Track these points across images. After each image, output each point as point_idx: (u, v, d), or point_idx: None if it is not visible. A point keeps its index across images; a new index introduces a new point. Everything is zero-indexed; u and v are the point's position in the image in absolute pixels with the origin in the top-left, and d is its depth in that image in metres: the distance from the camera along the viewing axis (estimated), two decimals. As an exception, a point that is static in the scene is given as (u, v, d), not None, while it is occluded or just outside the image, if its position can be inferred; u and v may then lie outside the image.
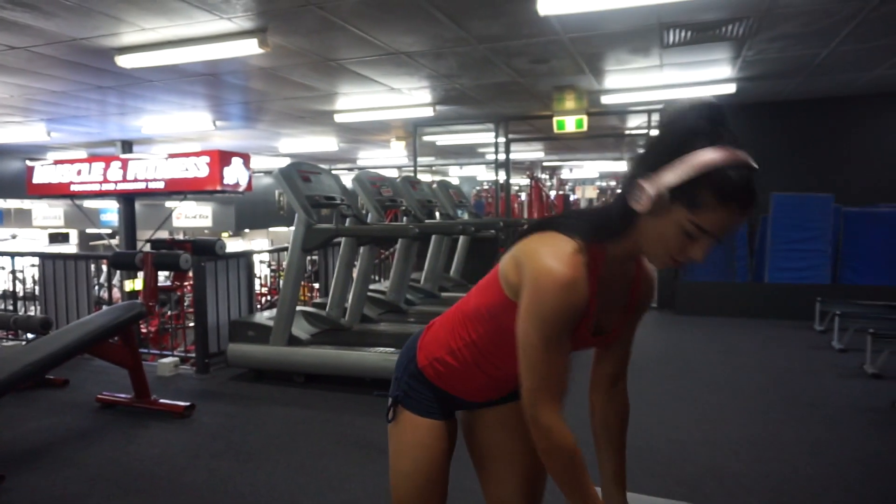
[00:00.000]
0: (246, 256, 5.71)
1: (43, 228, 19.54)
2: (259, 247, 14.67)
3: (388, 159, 14.28)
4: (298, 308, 4.91)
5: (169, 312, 8.13)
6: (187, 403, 4.01)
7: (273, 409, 4.14)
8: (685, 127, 1.07)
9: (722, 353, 5.59)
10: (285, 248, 5.90)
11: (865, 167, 7.26)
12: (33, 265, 9.96)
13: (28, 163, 10.15)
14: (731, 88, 6.32)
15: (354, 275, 5.28)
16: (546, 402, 1.17)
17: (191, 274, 5.07)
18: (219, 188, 8.63)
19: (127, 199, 10.48)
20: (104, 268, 7.40)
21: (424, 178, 16.61)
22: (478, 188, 21.00)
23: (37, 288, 11.56)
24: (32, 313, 7.12)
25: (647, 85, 6.43)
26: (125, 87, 6.29)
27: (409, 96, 6.92)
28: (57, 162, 9.76)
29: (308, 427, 3.76)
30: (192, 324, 6.71)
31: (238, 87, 6.49)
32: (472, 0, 3.89)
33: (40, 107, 7.39)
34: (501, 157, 8.90)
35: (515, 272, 1.20)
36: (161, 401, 4.08)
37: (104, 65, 5.28)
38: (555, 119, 7.79)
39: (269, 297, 10.29)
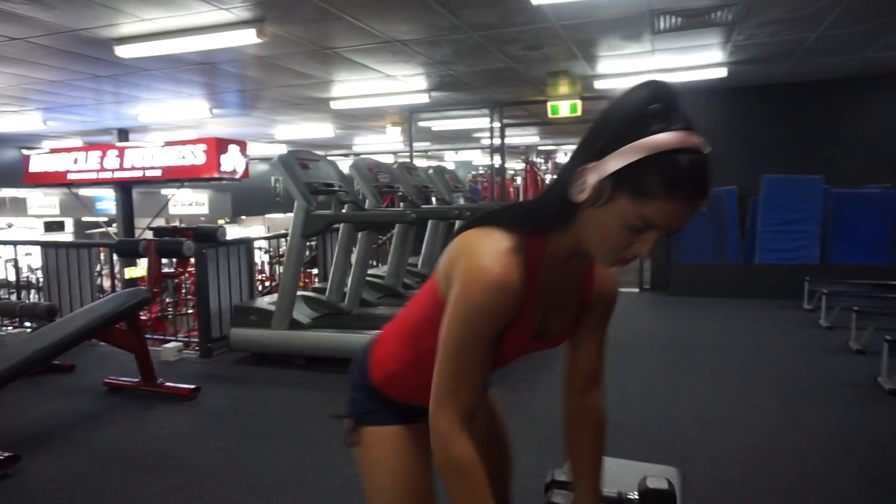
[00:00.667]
0: (246, 243, 5.81)
1: (38, 217, 19.54)
2: (255, 233, 14.75)
3: (384, 145, 14.31)
4: (299, 293, 5.01)
5: (168, 300, 8.24)
6: (193, 386, 4.13)
7: (276, 390, 4.27)
8: (633, 109, 0.95)
9: (713, 333, 5.73)
10: (283, 235, 6.00)
11: (854, 149, 7.36)
12: (28, 254, 10.04)
13: (24, 152, 10.18)
14: (722, 73, 6.40)
15: (353, 260, 5.38)
16: (449, 409, 1.07)
17: (192, 261, 5.15)
18: (216, 175, 8.70)
19: (124, 188, 10.52)
20: (102, 256, 7.49)
21: (420, 163, 16.63)
22: (473, 173, 21.07)
23: (33, 276, 11.66)
24: (35, 301, 7.21)
25: (639, 70, 6.50)
26: (122, 75, 6.33)
27: (405, 83, 6.98)
28: (53, 151, 9.80)
29: (310, 407, 3.89)
30: (191, 310, 6.82)
31: (235, 76, 6.54)
32: (466, -11, 3.97)
33: (37, 96, 7.42)
34: (497, 141, 8.98)
35: (451, 270, 1.07)
36: (167, 384, 4.19)
37: (102, 54, 5.33)
38: (549, 104, 7.86)
39: (266, 284, 10.39)
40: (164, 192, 14.84)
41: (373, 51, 5.47)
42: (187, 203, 17.10)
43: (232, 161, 8.90)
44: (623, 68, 6.46)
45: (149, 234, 5.22)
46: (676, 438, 3.30)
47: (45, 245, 6.33)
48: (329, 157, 6.00)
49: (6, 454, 3.03)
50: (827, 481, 2.83)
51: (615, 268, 1.15)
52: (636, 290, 8.13)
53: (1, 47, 5.10)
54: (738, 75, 6.76)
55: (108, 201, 14.82)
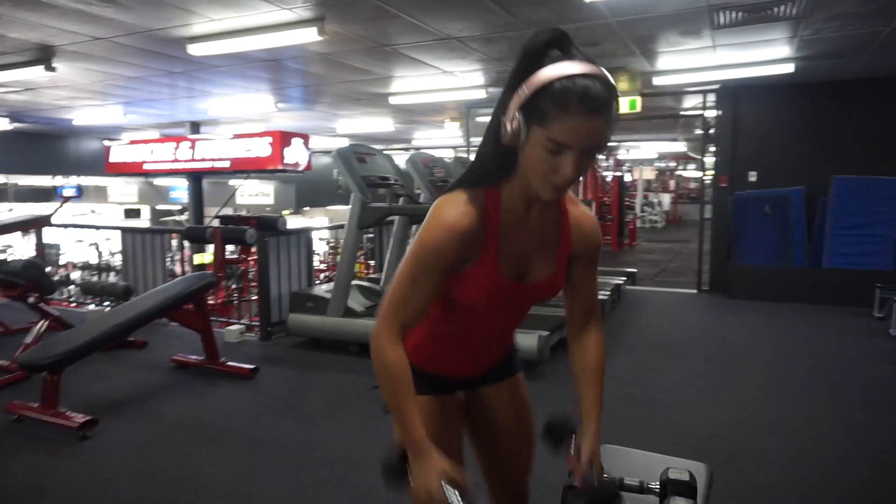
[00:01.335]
0: (305, 233, 6.06)
1: (119, 204, 20.74)
2: (318, 224, 15.18)
3: (443, 140, 14.45)
4: (354, 282, 5.20)
5: (233, 286, 8.65)
6: (252, 367, 4.38)
7: (329, 374, 4.46)
8: (529, 52, 1.08)
9: (771, 338, 5.58)
10: (341, 226, 6.21)
11: (934, 149, 6.95)
12: (107, 239, 10.72)
13: (105, 143, 10.87)
14: (789, 68, 6.17)
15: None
16: (388, 326, 1.23)
17: (254, 249, 5.42)
18: (280, 167, 9.04)
19: (195, 178, 11.08)
20: (173, 242, 7.94)
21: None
22: (531, 169, 20.92)
23: (112, 259, 12.43)
24: (112, 281, 7.73)
25: (700, 66, 6.36)
26: (194, 72, 6.69)
27: (462, 79, 7.07)
28: (132, 142, 10.42)
29: (360, 392, 4.05)
30: (254, 297, 7.16)
31: (298, 72, 6.80)
32: (519, -13, 4.02)
33: (117, 91, 7.92)
34: (553, 137, 8.94)
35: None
36: (229, 363, 4.46)
37: (176, 52, 5.66)
38: (607, 100, 7.77)
39: (327, 273, 10.71)
40: (231, 182, 15.47)
41: (430, 47, 5.58)
42: (254, 193, 17.76)
43: (295, 154, 9.22)
44: (683, 64, 6.34)
45: (216, 223, 5.53)
46: (721, 441, 3.28)
47: (123, 230, 6.78)
48: (389, 151, 6.16)
49: (88, 417, 3.33)
50: (879, 494, 2.76)
51: (588, 219, 1.34)
52: (694, 291, 7.96)
53: (87, 46, 5.50)
54: (807, 71, 6.51)
55: (180, 190, 15.61)
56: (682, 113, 10.09)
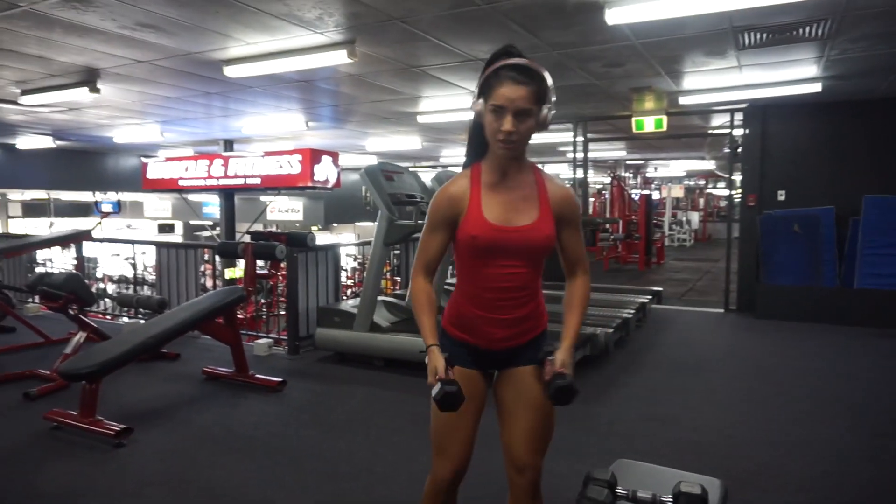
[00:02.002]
0: (333, 249, 6.19)
1: (153, 219, 21.32)
2: (346, 240, 15.40)
3: (470, 157, 14.54)
4: (380, 298, 5.29)
5: (262, 301, 8.83)
6: (280, 379, 4.49)
7: (355, 388, 4.55)
8: (488, 61, 1.68)
9: (799, 358, 5.50)
10: (368, 243, 6.33)
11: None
12: (143, 253, 11.05)
13: (143, 160, 11.24)
14: (816, 87, 6.14)
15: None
16: (417, 268, 1.82)
17: (283, 264, 5.56)
18: (309, 184, 9.26)
19: (227, 194, 11.37)
20: (206, 256, 8.15)
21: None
22: (559, 186, 20.92)
23: (146, 273, 12.77)
24: (147, 294, 7.97)
25: (726, 85, 6.36)
26: (229, 92, 6.93)
27: (488, 98, 7.16)
28: (168, 159, 10.76)
29: (385, 406, 4.13)
30: (283, 311, 7.30)
31: (329, 92, 6.99)
32: (543, 12, 4.11)
33: (155, 110, 8.22)
34: (580, 155, 9.00)
35: None
36: (257, 376, 4.57)
37: (212, 74, 5.89)
38: (633, 119, 7.81)
39: (354, 289, 10.85)
40: (262, 198, 15.81)
41: (456, 68, 5.71)
42: (284, 209, 18.11)
43: (325, 171, 9.44)
44: (709, 84, 6.35)
45: (247, 238, 5.68)
46: (744, 461, 3.26)
47: (158, 245, 7.01)
48: (415, 169, 6.28)
49: (122, 426, 3.46)
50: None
51: (563, 188, 1.79)
52: (721, 310, 7.88)
53: (129, 69, 5.75)
54: (835, 90, 6.47)
55: (213, 206, 16.00)
56: (709, 131, 10.04)
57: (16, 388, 4.34)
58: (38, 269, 9.34)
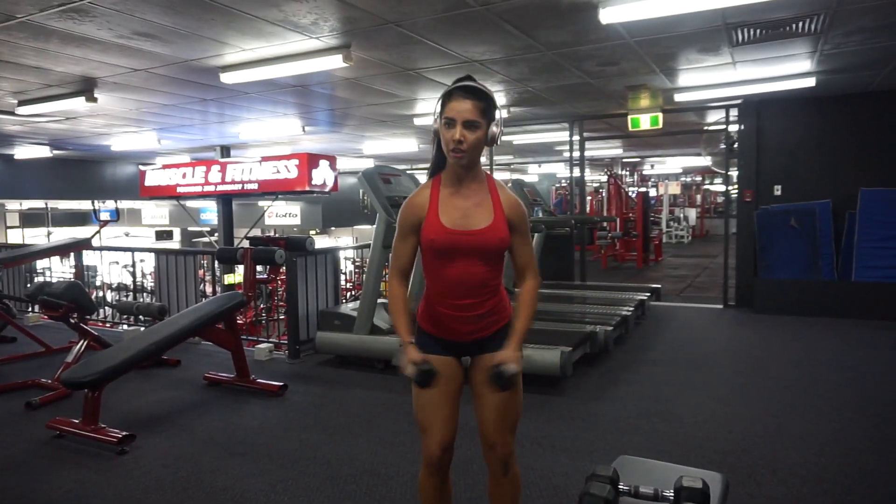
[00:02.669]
0: (332, 253, 6.20)
1: (151, 227, 21.31)
2: (344, 244, 15.41)
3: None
4: (379, 300, 5.31)
5: (262, 305, 8.83)
6: (281, 384, 4.50)
7: (356, 391, 4.56)
8: (447, 89, 1.89)
9: (798, 352, 5.52)
10: (367, 246, 6.34)
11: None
12: (142, 260, 11.04)
13: (140, 167, 11.23)
14: (810, 82, 6.17)
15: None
16: (392, 272, 2.01)
17: (283, 269, 5.56)
18: (307, 188, 9.25)
19: (225, 200, 11.36)
20: (204, 262, 8.15)
21: (503, 176, 16.77)
22: (557, 185, 21.00)
23: (145, 280, 12.75)
24: (147, 302, 7.98)
25: (721, 82, 6.39)
26: (225, 98, 6.95)
27: (484, 99, 7.18)
28: (165, 166, 10.75)
29: (387, 408, 4.14)
30: (282, 316, 7.31)
31: (325, 96, 7.01)
32: (537, 12, 4.13)
33: (152, 118, 8.24)
34: (577, 154, 9.02)
35: None
36: (259, 381, 4.59)
37: (209, 81, 5.91)
38: (629, 117, 7.84)
39: (353, 292, 10.86)
40: (260, 203, 15.82)
41: (452, 71, 5.72)
42: (282, 214, 18.13)
43: (322, 175, 9.42)
44: (704, 80, 6.38)
45: (246, 244, 5.69)
46: (745, 455, 3.27)
47: (157, 252, 7.01)
48: (413, 171, 6.30)
49: (124, 433, 3.47)
50: (902, 505, 2.74)
51: (513, 198, 1.97)
52: (720, 306, 7.90)
53: (125, 77, 5.77)
54: (829, 84, 6.50)
55: (211, 212, 16.01)
56: (705, 128, 10.08)
57: (18, 397, 4.35)
58: (38, 279, 9.34)
